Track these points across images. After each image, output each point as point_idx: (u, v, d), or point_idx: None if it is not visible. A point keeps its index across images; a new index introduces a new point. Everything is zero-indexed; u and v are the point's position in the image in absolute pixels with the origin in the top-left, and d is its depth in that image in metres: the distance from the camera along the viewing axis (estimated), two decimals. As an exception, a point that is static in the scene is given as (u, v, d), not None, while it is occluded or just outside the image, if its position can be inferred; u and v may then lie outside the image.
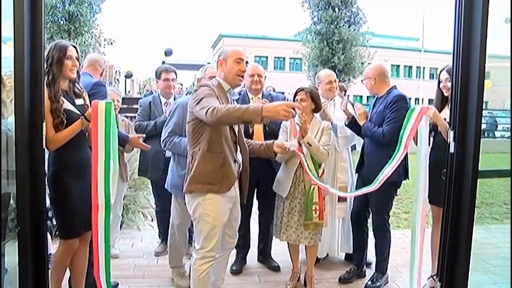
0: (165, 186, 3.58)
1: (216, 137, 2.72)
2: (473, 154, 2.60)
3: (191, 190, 2.74)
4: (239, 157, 2.91)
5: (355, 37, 19.82)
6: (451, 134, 2.72)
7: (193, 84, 4.21)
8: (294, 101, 3.46)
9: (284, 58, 38.45)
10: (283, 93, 16.26)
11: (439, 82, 3.46)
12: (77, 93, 2.87)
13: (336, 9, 19.66)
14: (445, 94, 3.37)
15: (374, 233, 3.68)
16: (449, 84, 3.15)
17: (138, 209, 5.21)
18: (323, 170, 3.49)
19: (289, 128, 3.57)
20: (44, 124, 2.43)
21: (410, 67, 37.86)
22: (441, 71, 3.46)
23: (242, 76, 2.90)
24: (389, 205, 3.66)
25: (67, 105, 2.73)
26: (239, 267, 3.99)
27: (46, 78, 2.66)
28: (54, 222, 4.20)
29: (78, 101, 2.85)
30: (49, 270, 2.66)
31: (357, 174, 3.89)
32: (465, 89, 2.63)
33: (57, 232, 2.92)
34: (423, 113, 2.89)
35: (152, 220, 5.13)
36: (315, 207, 3.34)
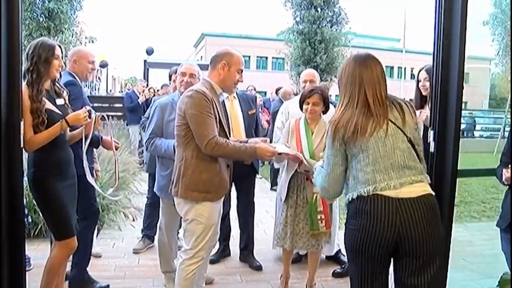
0: (154, 189, 3.53)
1: None
2: (452, 153, 2.63)
3: (186, 197, 2.70)
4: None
5: (337, 37, 19.90)
6: (431, 134, 2.75)
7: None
8: (303, 104, 3.32)
9: (266, 58, 38.45)
10: (265, 93, 16.24)
11: (417, 82, 3.50)
12: (57, 92, 2.82)
13: (319, 9, 19.68)
14: (424, 93, 3.41)
15: None
16: (428, 84, 3.24)
17: (119, 209, 5.15)
18: None
19: (292, 130, 3.40)
20: (22, 123, 2.38)
21: (392, 67, 38.21)
22: (419, 71, 3.50)
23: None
24: None
25: (48, 105, 2.67)
26: (217, 258, 4.10)
27: (28, 77, 2.61)
28: (30, 220, 4.17)
29: (59, 101, 2.80)
30: (28, 272, 2.61)
31: None
32: (445, 89, 2.65)
33: (46, 234, 2.87)
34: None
35: (134, 220, 5.08)
36: (321, 216, 3.24)
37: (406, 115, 2.13)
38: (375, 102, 2.08)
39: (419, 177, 2.06)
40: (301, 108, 3.37)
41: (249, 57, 37.17)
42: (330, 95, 4.06)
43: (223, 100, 3.80)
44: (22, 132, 2.37)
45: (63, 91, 2.87)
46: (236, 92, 3.91)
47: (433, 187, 2.68)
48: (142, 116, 5.10)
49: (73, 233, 2.77)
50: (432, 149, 2.72)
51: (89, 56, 3.44)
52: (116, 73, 29.40)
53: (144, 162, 4.59)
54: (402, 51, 31.45)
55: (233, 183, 3.84)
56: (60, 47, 2.82)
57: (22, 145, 2.39)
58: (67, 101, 2.87)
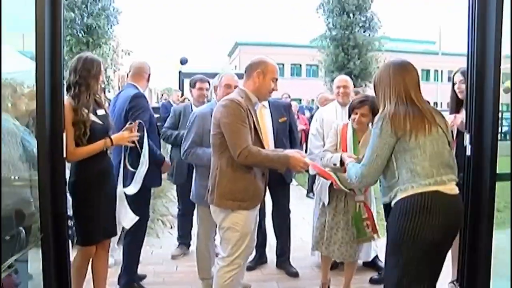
0: (190, 197, 3.58)
1: None
2: (490, 157, 2.58)
3: (221, 205, 2.73)
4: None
5: (370, 42, 19.76)
6: (467, 137, 2.71)
7: (211, 92, 4.24)
8: (350, 113, 3.27)
9: (300, 65, 38.45)
10: (300, 100, 16.22)
11: (453, 85, 3.43)
12: (98, 102, 2.95)
13: (351, 15, 19.62)
14: (459, 96, 3.34)
15: None
16: (463, 86, 3.16)
17: (157, 217, 5.28)
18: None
19: (339, 136, 3.34)
20: (64, 135, 2.50)
21: (428, 70, 37.45)
22: (455, 73, 3.43)
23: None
24: None
25: (90, 116, 2.81)
26: (253, 265, 4.11)
27: (74, 90, 2.76)
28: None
29: (100, 111, 2.93)
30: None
31: None
32: (481, 91, 2.62)
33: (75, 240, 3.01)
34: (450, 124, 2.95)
35: (171, 228, 5.19)
36: (367, 223, 3.25)
37: (446, 121, 2.35)
38: (423, 104, 2.27)
39: (454, 176, 2.25)
40: (349, 117, 3.32)
41: (283, 64, 37.23)
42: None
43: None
44: (64, 143, 2.50)
45: (103, 101, 3.01)
46: (268, 100, 3.92)
47: (470, 191, 2.66)
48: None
49: (93, 242, 2.91)
50: (468, 152, 2.68)
51: (147, 69, 3.62)
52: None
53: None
54: (438, 54, 30.79)
55: (267, 191, 3.91)
56: (99, 62, 2.97)
57: (64, 156, 2.51)
58: (107, 111, 3.01)
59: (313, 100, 10.15)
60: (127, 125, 3.07)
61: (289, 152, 2.82)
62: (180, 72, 14.36)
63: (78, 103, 2.74)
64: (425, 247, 2.14)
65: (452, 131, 3.27)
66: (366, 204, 3.25)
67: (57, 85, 2.46)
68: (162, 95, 19.69)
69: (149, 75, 3.61)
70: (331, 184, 3.20)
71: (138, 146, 3.12)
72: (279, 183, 3.87)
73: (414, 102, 2.25)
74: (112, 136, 2.88)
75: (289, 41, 38.02)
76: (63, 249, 2.52)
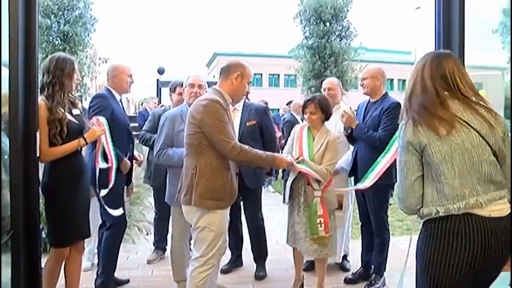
0: (165, 199, 3.61)
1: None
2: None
3: (200, 205, 2.75)
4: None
5: (347, 50, 20.11)
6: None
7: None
8: (303, 113, 3.49)
9: (278, 75, 38.69)
10: (278, 110, 16.34)
11: None
12: (73, 102, 2.97)
13: (327, 23, 19.92)
14: None
15: (374, 233, 3.78)
16: None
17: (133, 223, 5.24)
18: (330, 179, 3.36)
19: (296, 136, 3.54)
20: (38, 134, 2.50)
21: (404, 80, 38.19)
22: None
23: None
24: (386, 206, 3.79)
25: (66, 115, 2.82)
26: (229, 268, 4.17)
27: (48, 90, 2.76)
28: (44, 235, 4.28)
29: (75, 111, 2.95)
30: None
31: (351, 178, 3.97)
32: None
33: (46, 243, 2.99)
34: None
35: (147, 234, 5.18)
36: (320, 220, 3.27)
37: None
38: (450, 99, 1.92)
39: (503, 192, 1.87)
40: (302, 117, 3.54)
41: (261, 74, 37.44)
42: (351, 107, 4.09)
43: None
44: (38, 142, 2.50)
45: (78, 102, 3.02)
46: (244, 103, 3.98)
47: None
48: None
49: (67, 243, 2.89)
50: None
51: (128, 71, 3.60)
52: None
53: (147, 176, 4.63)
54: (413, 64, 31.46)
55: (241, 197, 3.96)
56: (74, 62, 2.99)
57: (37, 155, 2.51)
58: (81, 111, 3.03)
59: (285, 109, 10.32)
60: (90, 122, 3.08)
61: (273, 153, 3.08)
62: (158, 80, 14.41)
63: (53, 102, 2.74)
64: (452, 275, 1.83)
65: None
66: (323, 201, 3.30)
67: (31, 88, 2.47)
68: (142, 103, 19.60)
69: (130, 76, 3.59)
70: (293, 182, 3.40)
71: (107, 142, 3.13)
72: (250, 188, 3.92)
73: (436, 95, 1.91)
74: (85, 135, 2.89)
75: (267, 51, 38.27)
76: (35, 252, 2.50)
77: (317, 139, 3.41)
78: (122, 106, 3.63)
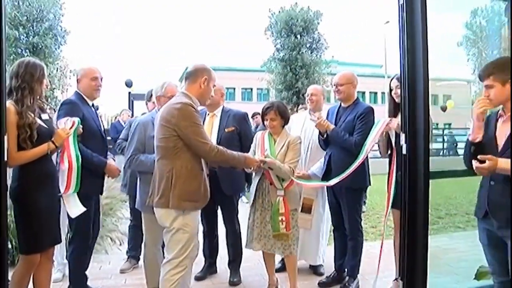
0: (135, 206, 3.59)
1: (195, 153, 2.85)
2: (423, 154, 2.77)
3: (178, 207, 2.78)
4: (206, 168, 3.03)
5: (318, 62, 20.48)
6: (402, 137, 2.89)
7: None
8: (263, 120, 3.60)
9: (251, 89, 38.85)
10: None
11: (390, 90, 3.65)
12: (41, 107, 2.93)
13: (298, 36, 20.30)
14: (397, 100, 3.53)
15: (348, 236, 3.82)
16: (399, 91, 3.38)
17: (106, 234, 5.16)
18: (291, 181, 3.47)
19: (258, 142, 3.65)
20: (6, 138, 2.45)
21: (375, 93, 38.95)
22: (391, 80, 3.66)
23: None
24: (360, 209, 3.88)
25: (35, 119, 2.78)
26: (203, 275, 4.16)
27: (16, 94, 2.73)
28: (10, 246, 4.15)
29: (44, 116, 2.92)
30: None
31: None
32: (413, 95, 2.82)
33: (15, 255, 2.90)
34: (387, 126, 3.43)
35: (120, 244, 5.10)
36: (282, 218, 3.38)
37: None
38: None
39: None
40: (263, 124, 3.67)
41: (234, 89, 37.52)
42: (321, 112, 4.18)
43: (204, 116, 3.92)
44: (5, 147, 2.45)
45: (46, 106, 2.99)
46: (223, 109, 4.03)
47: (408, 189, 2.83)
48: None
49: (38, 250, 2.82)
50: (404, 151, 2.86)
51: (92, 73, 3.45)
52: (102, 110, 29.47)
53: (123, 184, 4.60)
54: (384, 77, 32.17)
55: (217, 204, 4.03)
56: (43, 68, 2.96)
57: (5, 159, 2.46)
58: (50, 116, 3.01)
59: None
60: (58, 123, 3.05)
61: (244, 153, 3.25)
62: (129, 93, 14.29)
63: (23, 106, 2.71)
64: None
65: (389, 134, 3.51)
66: (285, 200, 3.41)
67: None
68: (116, 117, 19.33)
69: (93, 79, 3.44)
70: (257, 183, 3.51)
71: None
72: (227, 194, 3.95)
73: None
74: (54, 139, 2.85)
75: (239, 66, 38.31)
76: (2, 260, 2.43)
77: (278, 142, 3.54)
78: (95, 110, 3.54)
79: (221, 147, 2.92)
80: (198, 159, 2.86)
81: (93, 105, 3.54)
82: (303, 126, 4.22)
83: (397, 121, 3.32)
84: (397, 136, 3.41)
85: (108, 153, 3.60)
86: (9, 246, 3.97)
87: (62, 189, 3.00)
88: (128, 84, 14.64)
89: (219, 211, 4.19)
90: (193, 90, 2.95)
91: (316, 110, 4.25)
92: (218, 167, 3.53)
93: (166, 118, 2.81)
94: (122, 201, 6.56)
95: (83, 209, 3.10)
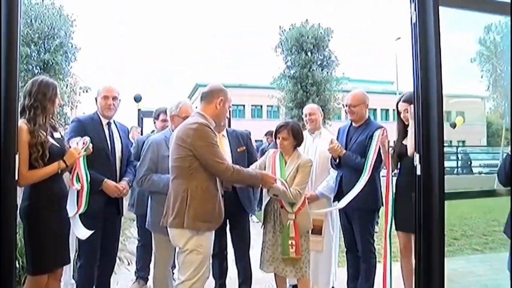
0: (146, 225, 3.60)
1: (211, 173, 2.88)
2: (438, 174, 2.75)
3: (193, 227, 2.81)
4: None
5: (329, 79, 20.45)
6: (417, 157, 2.87)
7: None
8: (275, 139, 3.58)
9: (261, 106, 38.91)
10: (261, 141, 16.45)
11: (398, 114, 3.65)
12: (53, 126, 2.97)
13: (309, 53, 20.30)
14: (406, 123, 3.55)
15: (361, 258, 3.78)
16: (408, 115, 3.40)
17: (114, 254, 5.15)
18: (303, 202, 3.48)
19: (269, 161, 3.61)
20: (17, 157, 2.48)
21: (387, 110, 38.82)
22: (397, 103, 3.66)
23: None
24: (373, 229, 3.82)
25: (47, 138, 2.82)
26: None
27: (29, 113, 2.77)
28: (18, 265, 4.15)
29: (56, 134, 2.96)
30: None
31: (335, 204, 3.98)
32: (426, 114, 2.82)
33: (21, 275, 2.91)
34: (383, 137, 3.49)
35: (129, 264, 5.08)
36: (291, 242, 3.37)
37: None
38: None
39: None
40: (275, 142, 3.64)
41: (244, 106, 37.61)
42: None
43: None
44: (17, 165, 2.47)
45: (57, 125, 3.03)
46: (226, 130, 4.05)
47: (422, 210, 2.80)
48: None
49: (46, 271, 2.83)
50: (418, 172, 2.84)
51: (103, 92, 3.57)
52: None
53: (130, 204, 4.59)
54: (396, 94, 32.15)
55: (228, 223, 3.97)
56: (56, 87, 3.02)
57: (16, 178, 2.48)
58: (62, 135, 3.06)
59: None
60: (70, 142, 3.09)
61: (261, 171, 3.25)
62: (139, 110, 14.36)
63: (35, 125, 2.76)
64: None
65: (400, 151, 3.51)
66: (296, 224, 3.39)
67: (11, 111, 2.45)
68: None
69: (105, 98, 3.55)
70: (267, 205, 3.51)
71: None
72: (238, 213, 3.92)
73: None
74: (65, 157, 2.89)
75: (249, 82, 38.48)
76: (9, 281, 2.43)
77: (289, 164, 3.52)
78: (110, 131, 3.59)
79: (236, 166, 2.94)
80: (213, 179, 2.89)
81: (110, 124, 3.59)
82: (305, 146, 4.19)
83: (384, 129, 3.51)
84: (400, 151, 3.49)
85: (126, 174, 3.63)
86: (16, 265, 4.00)
87: (70, 210, 3.01)
88: (137, 99, 14.69)
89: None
90: (209, 111, 3.00)
91: (316, 129, 4.25)
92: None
93: (181, 138, 2.85)
94: (131, 220, 6.57)
95: (90, 232, 3.12)
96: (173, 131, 3.51)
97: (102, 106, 3.55)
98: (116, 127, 3.68)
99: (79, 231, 3.09)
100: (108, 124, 3.59)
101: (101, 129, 3.53)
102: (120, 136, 3.66)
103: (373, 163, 3.50)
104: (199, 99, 3.14)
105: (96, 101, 3.60)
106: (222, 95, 3.02)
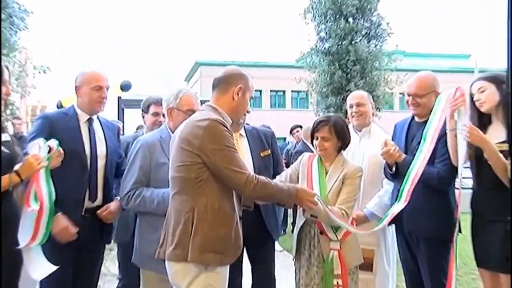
0: (132, 259, 3.57)
1: (225, 187, 2.83)
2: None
3: (201, 260, 2.78)
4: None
5: (377, 55, 20.12)
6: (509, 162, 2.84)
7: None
8: (312, 139, 3.56)
9: (284, 92, 38.89)
10: (284, 138, 16.32)
11: (472, 98, 3.48)
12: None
13: (350, 20, 19.98)
14: (482, 110, 3.41)
15: None
16: (483, 96, 3.29)
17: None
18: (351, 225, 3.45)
19: (304, 169, 3.60)
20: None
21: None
22: (471, 85, 3.49)
23: None
24: (446, 266, 3.62)
25: None
26: None
27: None
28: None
29: (4, 136, 2.94)
30: None
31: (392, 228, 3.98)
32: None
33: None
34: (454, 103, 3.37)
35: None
36: (337, 282, 3.33)
37: None
38: None
39: None
40: (312, 143, 3.60)
41: (261, 91, 37.57)
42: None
43: None
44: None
45: (6, 123, 3.01)
46: (245, 128, 4.05)
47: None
48: None
49: None
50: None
51: (95, 80, 3.55)
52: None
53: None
54: (473, 71, 31.88)
55: (246, 252, 3.97)
56: (7, 68, 3.01)
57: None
58: (12, 136, 3.04)
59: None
60: (27, 148, 3.07)
61: (295, 185, 3.15)
62: (119, 98, 14.26)
63: None
64: None
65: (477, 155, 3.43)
66: (342, 255, 3.33)
67: None
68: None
69: (95, 89, 3.55)
70: (301, 229, 3.50)
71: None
72: (261, 242, 3.95)
73: None
74: (16, 168, 2.86)
75: (268, 61, 38.34)
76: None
77: (331, 173, 3.48)
78: (92, 130, 3.60)
79: (261, 177, 2.85)
80: (229, 195, 2.86)
81: (91, 121, 3.60)
82: (349, 149, 4.12)
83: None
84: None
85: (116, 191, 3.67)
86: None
87: (22, 239, 2.99)
88: (125, 88, 14.64)
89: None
90: (224, 103, 2.98)
91: (364, 125, 4.19)
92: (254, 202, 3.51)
93: (187, 140, 2.82)
94: (109, 250, 6.58)
95: (51, 268, 3.09)
96: (171, 129, 3.52)
97: (91, 100, 3.54)
98: (101, 125, 3.68)
99: (35, 269, 3.07)
100: (89, 121, 3.57)
101: (77, 128, 3.51)
102: (105, 137, 3.65)
103: (434, 142, 3.39)
104: (203, 84, 3.11)
105: (77, 91, 3.56)
106: (242, 82, 3.00)
